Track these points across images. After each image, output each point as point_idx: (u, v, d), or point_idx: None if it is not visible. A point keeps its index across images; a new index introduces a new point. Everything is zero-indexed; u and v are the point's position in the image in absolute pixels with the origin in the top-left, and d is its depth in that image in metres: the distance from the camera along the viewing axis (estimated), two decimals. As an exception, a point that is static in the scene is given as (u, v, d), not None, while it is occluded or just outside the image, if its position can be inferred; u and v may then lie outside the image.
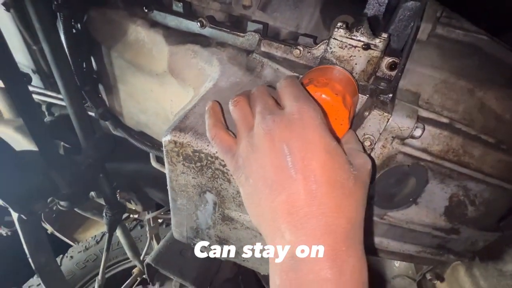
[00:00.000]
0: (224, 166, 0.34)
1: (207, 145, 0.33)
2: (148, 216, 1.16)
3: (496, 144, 0.36)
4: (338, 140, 0.32)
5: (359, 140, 0.35)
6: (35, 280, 1.25)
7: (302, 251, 0.26)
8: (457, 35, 0.41)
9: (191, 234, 0.46)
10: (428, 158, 0.36)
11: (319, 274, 0.25)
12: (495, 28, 0.60)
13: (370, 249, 0.48)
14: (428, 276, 0.55)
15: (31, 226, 0.80)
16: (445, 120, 0.35)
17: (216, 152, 0.33)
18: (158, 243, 1.25)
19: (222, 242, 0.44)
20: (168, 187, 0.40)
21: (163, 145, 0.35)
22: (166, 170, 0.38)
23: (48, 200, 0.95)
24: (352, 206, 0.28)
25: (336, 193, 0.27)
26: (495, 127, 0.36)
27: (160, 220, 1.27)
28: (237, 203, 0.37)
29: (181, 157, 0.35)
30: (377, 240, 0.45)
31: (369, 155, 0.33)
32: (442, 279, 0.54)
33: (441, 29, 0.41)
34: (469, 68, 0.38)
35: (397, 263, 0.75)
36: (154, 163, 0.74)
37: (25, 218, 0.78)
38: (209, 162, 0.34)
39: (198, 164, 0.35)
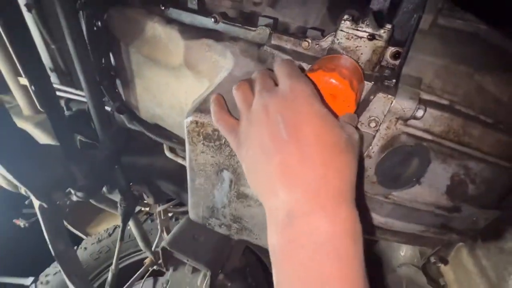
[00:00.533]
0: (241, 144, 0.37)
1: (226, 125, 0.37)
2: (159, 208, 1.20)
3: (495, 124, 0.38)
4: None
5: (356, 120, 0.38)
6: (51, 270, 1.30)
7: (297, 207, 0.28)
8: (458, 24, 0.43)
9: (207, 213, 0.49)
10: (430, 137, 0.39)
11: (313, 225, 0.27)
12: (495, 23, 0.62)
13: (367, 229, 0.50)
14: (432, 260, 0.57)
15: (52, 215, 0.84)
16: (445, 102, 0.38)
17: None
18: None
19: (236, 220, 0.47)
20: (188, 167, 0.44)
21: (185, 126, 0.38)
22: (186, 150, 0.41)
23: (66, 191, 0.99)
24: (343, 164, 0.30)
25: (327, 152, 0.29)
26: (494, 108, 0.38)
27: (170, 214, 1.31)
28: (252, 180, 0.40)
29: (201, 136, 0.38)
30: (382, 220, 0.48)
31: (357, 129, 0.35)
32: (446, 262, 0.56)
33: (443, 19, 0.44)
34: (469, 55, 0.40)
35: (402, 252, 0.77)
36: (168, 153, 0.78)
37: (46, 206, 0.83)
38: (227, 140, 0.37)
39: (217, 142, 0.38)
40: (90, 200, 1.06)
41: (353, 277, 0.27)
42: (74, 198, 0.91)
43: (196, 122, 0.37)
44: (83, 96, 0.78)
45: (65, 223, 1.47)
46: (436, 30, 0.43)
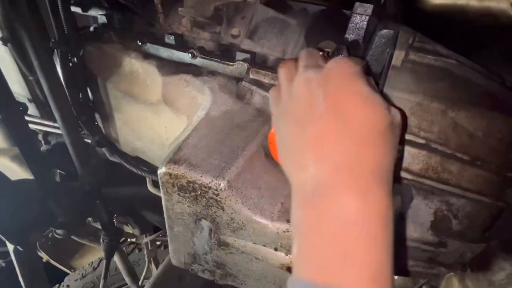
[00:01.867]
0: (217, 195, 0.36)
1: (201, 176, 0.35)
2: (146, 239, 1.15)
3: (471, 160, 0.38)
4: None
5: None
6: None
7: (327, 182, 0.26)
8: (429, 60, 0.44)
9: (189, 260, 0.47)
10: (410, 177, 0.38)
11: (342, 202, 0.25)
12: (466, 48, 0.64)
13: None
14: (425, 289, 0.56)
15: (27, 258, 0.79)
16: (421, 141, 0.38)
17: (209, 182, 0.35)
18: (156, 266, 1.23)
19: (219, 266, 0.45)
20: (165, 216, 0.42)
21: (159, 177, 0.37)
22: (162, 199, 0.39)
23: (44, 228, 0.94)
24: (382, 146, 0.28)
25: (366, 131, 0.27)
26: (469, 144, 0.39)
27: (158, 243, 1.26)
28: (232, 229, 0.38)
29: (176, 187, 0.37)
30: (370, 256, 0.46)
31: (400, 109, 0.33)
32: (438, 291, 0.55)
33: (414, 55, 0.45)
34: (441, 90, 0.41)
35: (395, 276, 0.75)
36: (150, 188, 0.76)
37: (21, 249, 0.78)
38: (203, 191, 0.36)
39: (193, 193, 0.36)
40: (72, 236, 1.01)
41: (379, 260, 0.24)
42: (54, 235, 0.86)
43: (170, 174, 0.36)
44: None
45: (48, 257, 1.40)
46: (408, 66, 0.44)
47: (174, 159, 0.36)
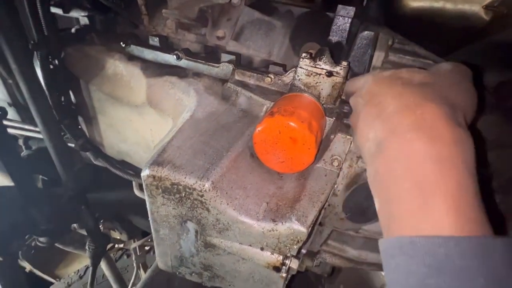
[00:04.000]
0: (202, 196, 0.36)
1: (185, 178, 0.35)
2: (134, 244, 1.13)
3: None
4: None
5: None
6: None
7: (397, 127, 0.28)
8: (407, 60, 0.46)
9: (176, 263, 0.46)
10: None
11: (411, 145, 0.26)
12: (444, 48, 0.66)
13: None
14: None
15: (8, 268, 0.76)
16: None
17: (194, 183, 0.35)
18: (145, 271, 1.21)
19: (206, 268, 0.45)
20: (150, 219, 0.41)
21: (142, 180, 0.36)
22: (146, 202, 0.39)
23: (26, 236, 0.91)
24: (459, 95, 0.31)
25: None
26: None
27: (147, 248, 1.24)
28: (218, 230, 0.38)
29: (160, 190, 0.36)
30: (356, 253, 0.47)
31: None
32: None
33: (393, 56, 0.46)
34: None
35: (383, 272, 0.77)
36: (136, 191, 0.74)
37: (1, 259, 0.75)
38: (187, 193, 0.36)
39: (177, 195, 0.36)
40: (56, 244, 0.98)
41: (455, 192, 0.24)
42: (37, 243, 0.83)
43: (153, 176, 0.35)
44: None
45: (31, 267, 1.34)
46: (388, 67, 0.45)
47: (157, 161, 0.35)
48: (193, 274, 0.47)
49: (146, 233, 1.18)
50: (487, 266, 0.22)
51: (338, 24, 0.58)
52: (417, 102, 0.28)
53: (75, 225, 0.95)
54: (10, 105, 0.95)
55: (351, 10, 0.56)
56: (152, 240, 1.22)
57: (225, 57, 0.57)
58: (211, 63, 0.56)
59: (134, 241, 1.12)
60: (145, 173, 0.35)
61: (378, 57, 0.46)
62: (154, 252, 1.39)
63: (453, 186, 0.25)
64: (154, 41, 0.60)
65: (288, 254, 0.37)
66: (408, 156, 0.27)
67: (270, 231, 0.35)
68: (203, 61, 0.57)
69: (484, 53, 0.59)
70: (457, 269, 0.22)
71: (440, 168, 0.25)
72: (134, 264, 1.17)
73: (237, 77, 0.54)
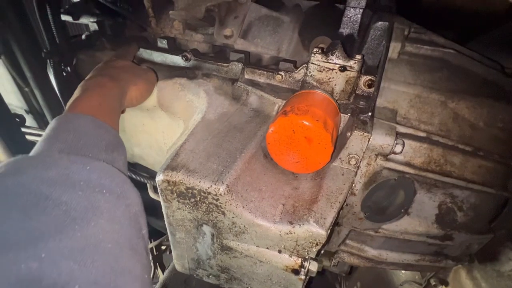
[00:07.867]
0: (217, 199, 0.35)
1: (199, 182, 0.34)
2: (151, 245, 1.15)
3: (474, 151, 0.37)
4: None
5: None
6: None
7: None
8: (426, 50, 0.43)
9: (193, 265, 0.46)
10: (412, 171, 0.38)
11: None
12: (463, 36, 0.63)
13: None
14: (433, 282, 0.56)
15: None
16: (422, 134, 0.37)
17: (208, 187, 0.35)
18: (163, 271, 1.23)
19: (224, 271, 0.45)
20: (166, 223, 0.41)
21: (157, 185, 0.36)
22: (162, 206, 0.39)
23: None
24: None
25: None
26: (471, 135, 0.38)
27: (163, 247, 1.26)
28: (234, 233, 0.38)
29: (175, 194, 0.36)
30: (375, 252, 0.46)
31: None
32: (446, 283, 0.55)
33: (410, 46, 0.44)
34: (440, 81, 0.40)
35: (402, 271, 0.75)
36: (151, 194, 0.75)
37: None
38: (202, 197, 0.35)
39: (192, 199, 0.36)
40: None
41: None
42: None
43: (168, 181, 0.35)
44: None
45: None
46: (405, 58, 0.43)
47: (171, 166, 0.35)
48: (210, 276, 0.47)
49: (161, 234, 1.20)
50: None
51: (349, 16, 0.56)
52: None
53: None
54: (27, 112, 0.98)
55: (362, 0, 0.53)
56: (168, 240, 1.24)
57: (233, 56, 0.56)
58: (220, 63, 0.55)
59: (151, 242, 1.14)
60: (159, 178, 0.35)
61: (394, 48, 0.43)
62: (170, 252, 1.42)
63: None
64: (163, 43, 0.60)
65: (307, 257, 0.36)
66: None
67: (287, 233, 0.34)
68: (212, 61, 0.56)
69: (505, 41, 0.56)
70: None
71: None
72: (152, 264, 1.20)
73: (246, 76, 0.53)
